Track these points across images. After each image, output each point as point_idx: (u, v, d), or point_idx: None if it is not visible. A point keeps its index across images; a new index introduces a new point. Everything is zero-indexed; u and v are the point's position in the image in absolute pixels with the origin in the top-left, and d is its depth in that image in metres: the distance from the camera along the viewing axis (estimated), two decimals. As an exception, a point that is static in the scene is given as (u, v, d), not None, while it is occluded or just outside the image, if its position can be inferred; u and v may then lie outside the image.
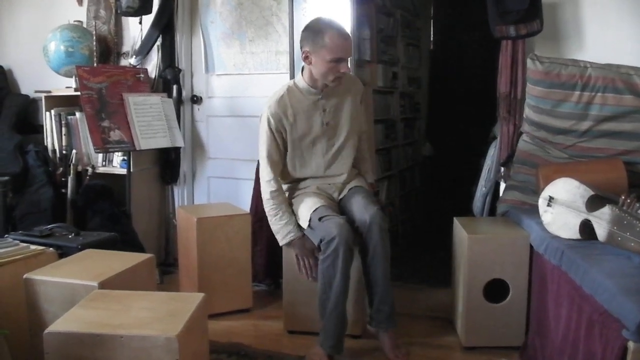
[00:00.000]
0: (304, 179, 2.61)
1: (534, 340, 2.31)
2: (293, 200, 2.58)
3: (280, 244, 2.56)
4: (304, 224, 2.47)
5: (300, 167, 2.58)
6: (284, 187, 2.62)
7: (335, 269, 2.31)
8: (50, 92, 3.59)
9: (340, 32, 2.38)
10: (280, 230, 2.50)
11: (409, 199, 4.81)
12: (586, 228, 2.12)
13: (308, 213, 2.44)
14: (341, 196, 2.60)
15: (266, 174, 2.51)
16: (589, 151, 2.63)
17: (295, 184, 2.63)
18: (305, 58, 2.42)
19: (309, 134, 2.52)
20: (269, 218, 2.54)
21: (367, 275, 2.44)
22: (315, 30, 2.37)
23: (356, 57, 3.58)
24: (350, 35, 3.24)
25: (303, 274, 2.50)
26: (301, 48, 2.44)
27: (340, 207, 2.57)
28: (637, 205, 1.97)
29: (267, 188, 2.51)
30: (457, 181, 4.61)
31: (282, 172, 2.61)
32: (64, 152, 3.50)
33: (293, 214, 2.53)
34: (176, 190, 3.85)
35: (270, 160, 2.50)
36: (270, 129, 2.48)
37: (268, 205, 2.52)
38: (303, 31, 2.44)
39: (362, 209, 2.41)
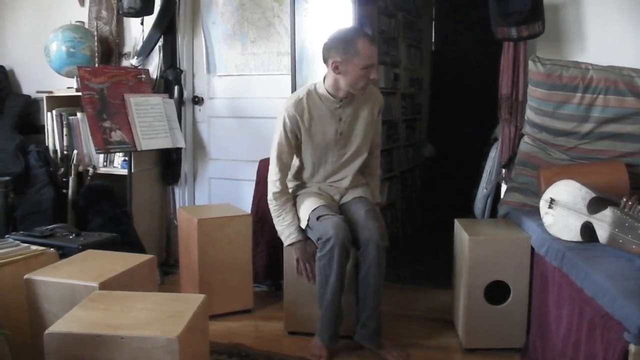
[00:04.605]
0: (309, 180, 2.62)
1: (535, 343, 2.30)
2: (296, 199, 2.59)
3: (285, 245, 2.56)
4: (303, 224, 2.48)
5: (309, 171, 2.59)
6: (290, 184, 2.62)
7: (331, 268, 2.34)
8: (51, 92, 3.59)
9: (371, 39, 2.38)
10: (284, 231, 2.52)
11: (410, 200, 4.80)
12: (587, 230, 2.12)
13: (307, 213, 2.46)
14: (343, 201, 2.60)
15: (274, 174, 2.51)
16: (591, 153, 2.63)
17: (299, 183, 2.64)
18: (335, 68, 2.37)
19: (322, 141, 2.51)
20: (273, 217, 2.55)
21: (358, 290, 2.45)
22: (346, 39, 2.34)
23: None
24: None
25: (303, 276, 2.52)
26: (326, 60, 2.40)
27: (340, 211, 2.56)
28: (639, 207, 1.96)
29: (271, 188, 2.52)
30: (458, 182, 4.60)
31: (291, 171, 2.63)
32: (65, 152, 3.50)
33: (297, 214, 2.53)
34: (177, 191, 3.85)
35: (279, 161, 2.50)
36: (285, 130, 2.47)
37: (272, 206, 2.54)
38: (329, 42, 2.39)
39: (362, 224, 2.41)
